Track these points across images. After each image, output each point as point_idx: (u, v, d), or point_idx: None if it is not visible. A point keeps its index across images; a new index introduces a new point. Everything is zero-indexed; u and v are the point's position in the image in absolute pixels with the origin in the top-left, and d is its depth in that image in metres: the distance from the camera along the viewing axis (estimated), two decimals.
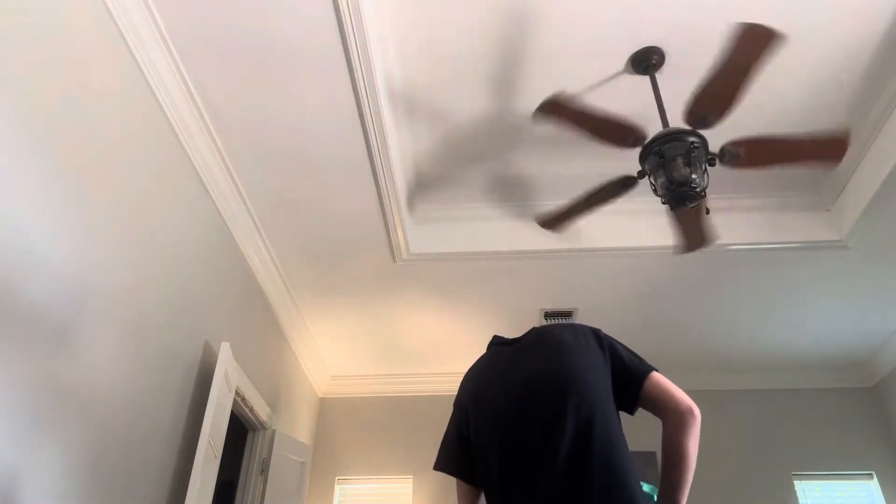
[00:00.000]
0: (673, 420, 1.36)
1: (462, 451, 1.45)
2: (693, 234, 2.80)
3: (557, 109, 2.35)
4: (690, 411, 1.37)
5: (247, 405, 3.30)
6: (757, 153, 2.42)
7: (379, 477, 4.61)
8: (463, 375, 1.59)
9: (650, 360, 1.55)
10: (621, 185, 2.61)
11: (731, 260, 3.54)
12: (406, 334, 4.28)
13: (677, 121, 2.46)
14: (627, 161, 2.66)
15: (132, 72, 2.26)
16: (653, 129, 2.45)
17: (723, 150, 2.41)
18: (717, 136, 2.40)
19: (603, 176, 2.72)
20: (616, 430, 1.33)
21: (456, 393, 1.57)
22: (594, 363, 1.42)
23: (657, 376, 1.46)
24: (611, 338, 1.55)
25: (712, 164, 2.44)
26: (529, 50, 2.57)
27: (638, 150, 2.45)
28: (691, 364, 4.68)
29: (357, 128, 2.74)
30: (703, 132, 2.37)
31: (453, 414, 1.53)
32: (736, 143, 2.40)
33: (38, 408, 1.72)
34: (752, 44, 2.07)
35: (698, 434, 1.36)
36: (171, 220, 2.55)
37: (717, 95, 2.24)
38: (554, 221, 2.86)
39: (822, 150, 2.43)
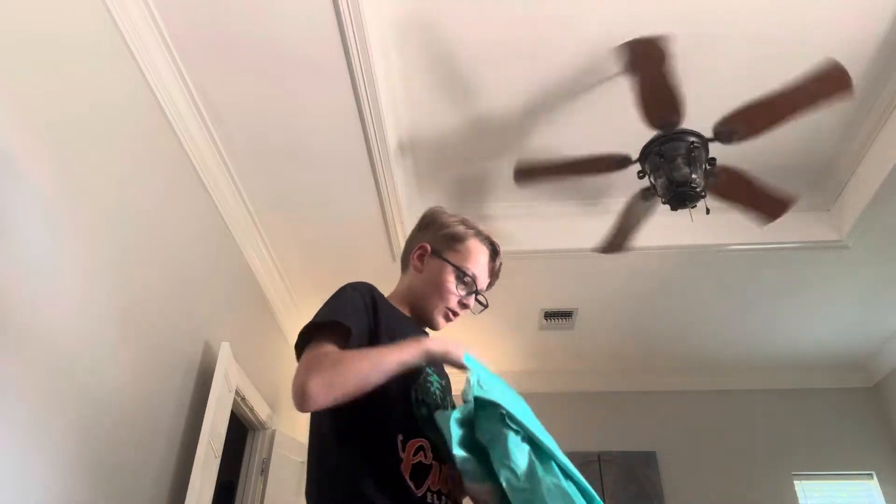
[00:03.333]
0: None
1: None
2: (621, 236, 2.79)
3: (530, 172, 2.33)
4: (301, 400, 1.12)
5: (247, 405, 3.30)
6: (755, 119, 2.31)
7: None
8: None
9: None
10: (615, 163, 2.57)
11: (731, 260, 3.54)
12: None
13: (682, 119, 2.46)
14: (630, 168, 2.65)
15: (132, 72, 2.26)
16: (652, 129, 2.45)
17: (716, 132, 2.37)
18: (704, 127, 2.40)
19: (604, 177, 2.72)
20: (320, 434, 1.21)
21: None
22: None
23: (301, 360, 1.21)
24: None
25: (713, 165, 2.44)
26: (529, 50, 2.56)
27: (630, 168, 2.44)
28: (691, 364, 4.69)
29: (357, 128, 2.74)
30: (702, 132, 2.38)
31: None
32: (728, 120, 2.33)
33: (37, 407, 1.72)
34: (828, 83, 2.04)
35: (332, 386, 1.10)
36: (171, 220, 2.55)
37: (759, 117, 2.20)
38: (530, 172, 2.72)
39: (769, 207, 2.42)
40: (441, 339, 1.19)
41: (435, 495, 1.13)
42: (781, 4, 2.39)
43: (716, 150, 2.50)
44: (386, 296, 1.40)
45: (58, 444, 1.79)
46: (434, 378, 1.31)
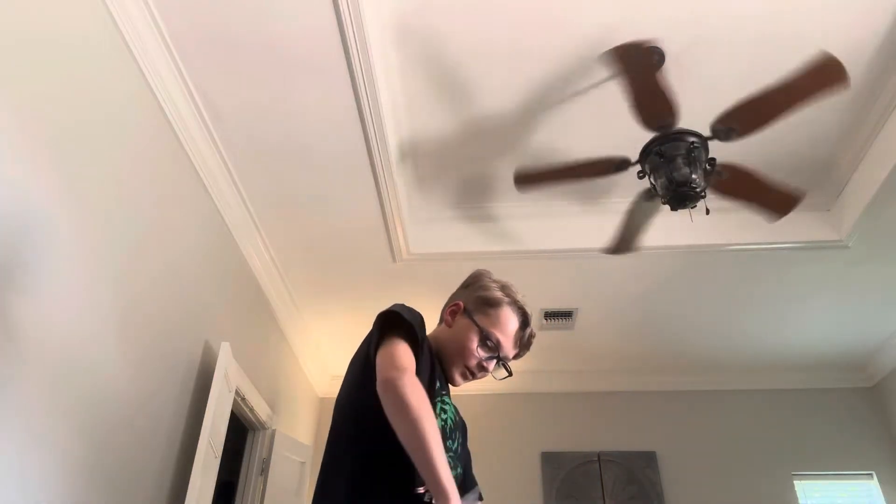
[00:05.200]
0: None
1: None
2: (627, 237, 2.79)
3: (531, 178, 2.33)
4: (386, 380, 1.14)
5: (247, 405, 3.30)
6: (752, 116, 2.31)
7: None
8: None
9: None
10: (613, 165, 2.57)
11: (731, 260, 3.54)
12: None
13: (678, 121, 2.46)
14: (630, 169, 2.65)
15: (132, 73, 2.26)
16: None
17: (714, 130, 2.37)
18: (704, 128, 2.40)
19: (606, 178, 2.72)
20: (338, 459, 1.23)
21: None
22: (349, 376, 1.37)
23: (387, 340, 1.23)
24: (384, 310, 1.32)
25: (713, 165, 2.44)
26: (529, 51, 2.56)
27: (630, 169, 2.44)
28: (691, 364, 4.69)
29: (357, 128, 2.74)
30: (702, 132, 2.37)
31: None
32: (725, 118, 2.33)
33: (38, 407, 1.72)
34: (822, 76, 2.04)
35: (401, 400, 1.09)
36: (172, 221, 2.55)
37: (756, 113, 2.20)
38: (531, 178, 2.73)
39: (776, 203, 2.42)
40: None
41: None
42: (781, 4, 2.39)
43: (717, 149, 2.50)
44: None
45: (58, 443, 1.79)
46: (448, 400, 1.37)
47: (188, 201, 2.70)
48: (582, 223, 3.41)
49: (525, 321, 1.46)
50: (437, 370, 1.37)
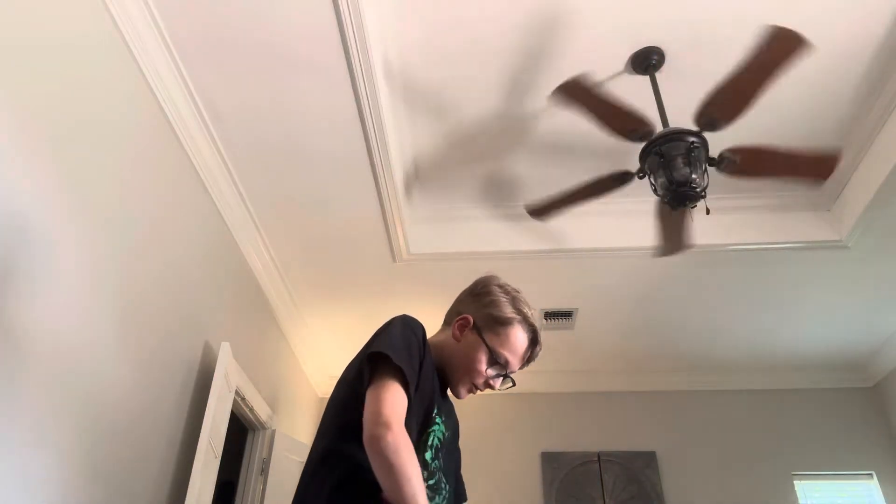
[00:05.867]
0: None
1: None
2: (673, 237, 2.79)
3: (575, 93, 2.32)
4: (371, 437, 1.11)
5: (247, 405, 3.30)
6: (753, 163, 2.41)
7: None
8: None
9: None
10: (617, 180, 2.59)
11: (731, 260, 3.54)
12: None
13: (677, 121, 2.46)
14: (628, 163, 2.66)
15: (133, 73, 2.26)
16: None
17: (721, 156, 2.41)
18: (715, 140, 2.40)
19: (612, 192, 2.71)
20: (320, 475, 1.21)
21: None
22: (336, 392, 1.35)
23: (377, 381, 1.20)
24: (381, 331, 1.31)
25: (712, 165, 2.44)
26: (530, 51, 2.57)
27: (640, 146, 2.44)
28: (691, 364, 4.69)
29: (357, 128, 2.74)
30: (709, 134, 2.37)
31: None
32: (734, 151, 2.38)
33: (38, 408, 1.72)
34: (778, 48, 2.04)
35: (386, 461, 1.09)
36: (172, 220, 2.55)
37: (730, 98, 2.21)
38: (543, 210, 2.80)
39: (813, 167, 2.42)
40: None
41: None
42: (781, 5, 2.39)
43: (717, 147, 2.50)
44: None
45: (58, 444, 1.79)
46: (439, 420, 1.37)
47: (188, 201, 2.70)
48: (582, 223, 3.40)
49: (535, 339, 1.44)
50: (436, 388, 1.36)
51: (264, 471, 3.49)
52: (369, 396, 1.18)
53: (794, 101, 2.81)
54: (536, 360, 1.49)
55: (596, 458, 4.45)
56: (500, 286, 1.49)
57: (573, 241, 3.44)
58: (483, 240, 3.50)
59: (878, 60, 2.61)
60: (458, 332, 1.44)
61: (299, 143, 2.83)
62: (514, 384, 1.47)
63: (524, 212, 3.44)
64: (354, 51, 2.37)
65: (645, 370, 4.74)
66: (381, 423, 1.11)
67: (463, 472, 1.53)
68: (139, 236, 2.30)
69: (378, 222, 3.31)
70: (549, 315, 4.12)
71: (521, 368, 1.48)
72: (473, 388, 1.43)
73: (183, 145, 2.60)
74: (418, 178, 3.27)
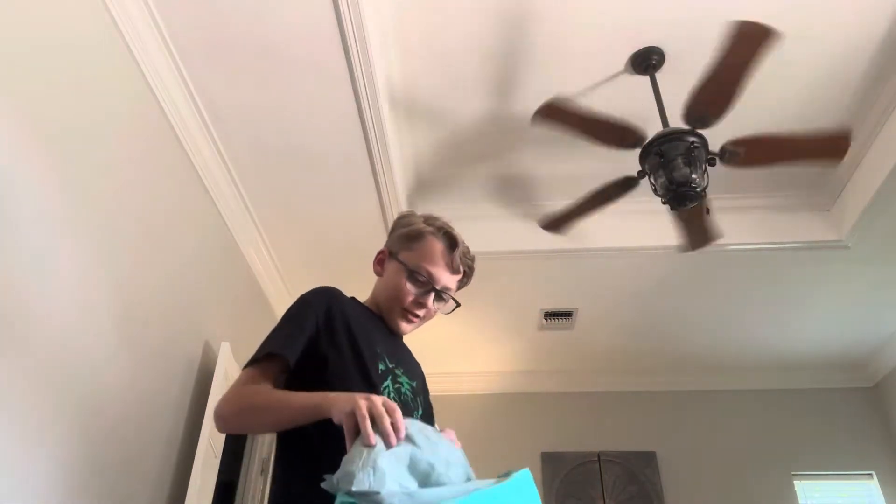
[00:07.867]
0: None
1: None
2: (697, 232, 2.80)
3: (555, 113, 2.35)
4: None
5: None
6: (757, 152, 2.41)
7: None
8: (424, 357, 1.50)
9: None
10: (622, 186, 2.62)
11: (731, 260, 3.54)
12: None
13: (677, 121, 2.46)
14: (627, 160, 2.65)
15: (133, 73, 2.26)
16: (653, 129, 2.45)
17: (723, 149, 2.41)
18: (717, 136, 2.40)
19: (603, 176, 2.72)
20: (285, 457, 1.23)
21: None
22: None
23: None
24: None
25: (712, 164, 2.44)
26: (530, 50, 2.57)
27: (637, 150, 2.45)
28: (691, 364, 4.68)
29: (357, 128, 2.74)
30: (704, 132, 2.38)
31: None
32: (736, 143, 2.39)
33: (37, 408, 1.72)
34: (748, 42, 2.07)
35: (233, 417, 1.21)
36: (172, 221, 2.55)
37: (714, 95, 2.23)
38: (557, 223, 2.86)
39: (823, 149, 2.42)
40: (351, 396, 1.00)
41: None
42: (781, 5, 2.39)
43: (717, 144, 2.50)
44: (364, 301, 1.42)
45: (58, 443, 1.79)
46: (404, 379, 1.31)
47: (188, 201, 2.70)
48: (582, 223, 3.40)
49: (452, 244, 1.37)
50: (373, 336, 1.30)
51: (264, 471, 3.49)
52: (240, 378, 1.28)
53: (795, 102, 2.81)
54: (473, 267, 1.43)
55: (596, 458, 4.45)
56: (412, 214, 1.48)
57: (573, 242, 3.44)
58: (483, 240, 3.47)
59: (878, 60, 2.61)
60: (378, 267, 1.43)
61: (299, 143, 2.83)
62: (458, 304, 1.40)
63: (524, 212, 3.45)
64: (354, 51, 2.37)
65: (645, 370, 4.74)
66: (216, 409, 1.22)
67: None
68: (139, 236, 2.30)
69: (378, 222, 3.31)
70: (549, 315, 4.12)
71: (460, 286, 1.42)
72: (407, 314, 1.36)
73: (183, 145, 2.60)
74: (418, 177, 3.27)
